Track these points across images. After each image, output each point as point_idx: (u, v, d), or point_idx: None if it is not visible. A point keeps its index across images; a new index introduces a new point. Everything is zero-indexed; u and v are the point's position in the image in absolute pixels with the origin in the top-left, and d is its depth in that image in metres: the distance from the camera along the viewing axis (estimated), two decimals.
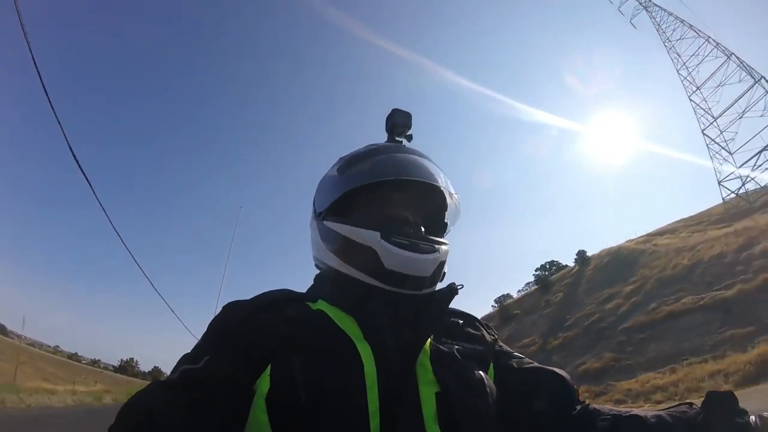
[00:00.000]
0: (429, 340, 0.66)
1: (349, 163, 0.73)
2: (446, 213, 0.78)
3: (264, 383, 0.56)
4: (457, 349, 0.68)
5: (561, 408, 0.69)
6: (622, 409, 0.66)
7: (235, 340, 0.60)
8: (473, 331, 0.75)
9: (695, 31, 36.40)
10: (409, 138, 0.83)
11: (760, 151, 29.14)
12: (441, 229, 0.78)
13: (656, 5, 42.12)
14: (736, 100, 30.77)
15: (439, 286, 0.71)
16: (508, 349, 0.78)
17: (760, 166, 28.89)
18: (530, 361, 0.75)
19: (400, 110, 0.82)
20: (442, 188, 0.73)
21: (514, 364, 0.73)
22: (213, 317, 0.66)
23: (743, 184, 29.76)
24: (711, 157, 31.97)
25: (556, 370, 0.73)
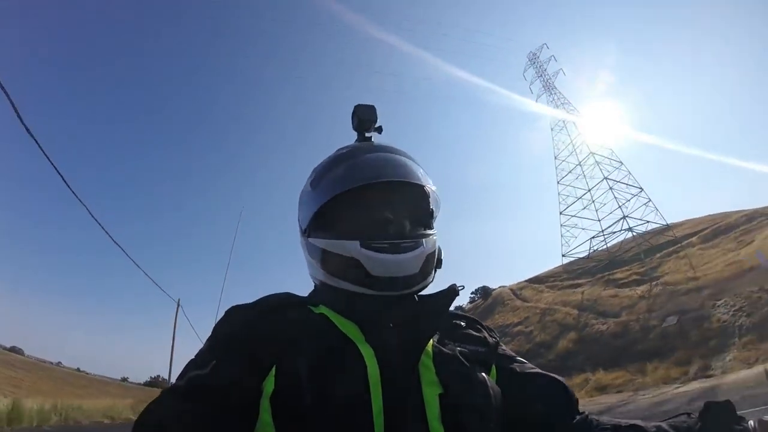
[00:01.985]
0: (431, 341, 0.67)
1: (320, 175, 0.73)
2: (429, 201, 0.77)
3: (269, 384, 0.57)
4: (459, 350, 0.68)
5: (561, 415, 0.69)
6: (622, 420, 0.66)
7: (240, 344, 0.61)
8: (475, 334, 0.76)
9: (574, 125, 44.55)
10: (379, 130, 0.83)
11: (590, 238, 38.98)
12: (427, 218, 0.77)
13: (556, 89, 48.40)
14: (584, 194, 40.45)
15: (437, 285, 0.71)
16: (511, 352, 0.78)
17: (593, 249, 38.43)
18: (532, 366, 0.75)
19: (362, 105, 0.82)
20: (414, 181, 0.71)
21: (517, 368, 0.73)
22: (216, 321, 0.66)
23: (588, 255, 38.75)
24: (561, 235, 41.36)
25: (558, 377, 0.73)
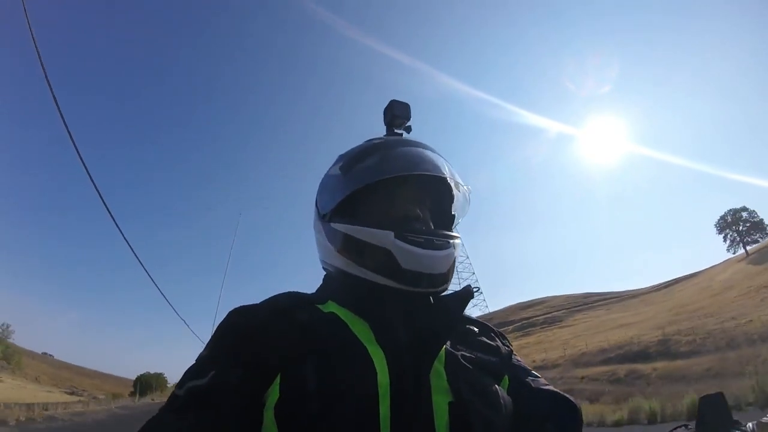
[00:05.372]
0: (444, 346, 0.63)
1: (353, 161, 0.71)
2: (453, 205, 0.76)
3: (274, 393, 0.55)
4: (472, 358, 0.65)
5: None
6: None
7: (242, 350, 0.58)
8: (489, 342, 0.72)
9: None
10: (408, 129, 0.84)
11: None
12: (449, 221, 0.77)
13: None
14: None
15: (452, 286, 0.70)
16: (525, 365, 0.75)
17: None
18: (546, 382, 0.73)
19: (398, 101, 0.82)
20: (449, 180, 0.71)
21: (531, 383, 0.71)
22: (219, 323, 0.63)
23: None
24: None
25: (569, 397, 0.71)
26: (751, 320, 22.73)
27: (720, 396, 0.60)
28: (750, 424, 0.58)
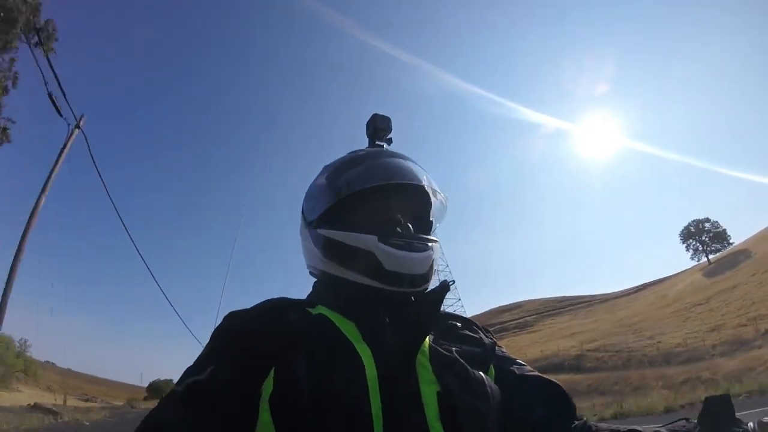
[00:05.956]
0: (428, 341, 0.68)
1: (338, 171, 0.77)
2: (431, 212, 0.81)
3: (268, 386, 0.58)
4: (455, 350, 0.69)
5: (561, 420, 0.70)
6: (621, 425, 0.67)
7: (238, 347, 0.62)
8: (471, 334, 0.77)
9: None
10: (389, 141, 0.91)
11: None
12: (428, 227, 0.82)
13: None
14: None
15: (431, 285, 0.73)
16: (510, 354, 0.79)
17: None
18: (531, 369, 0.76)
19: (380, 115, 0.90)
20: (427, 188, 0.76)
21: (516, 371, 0.74)
22: (215, 326, 0.68)
23: None
24: None
25: (556, 381, 0.74)
26: (660, 341, 25.29)
27: (727, 397, 0.63)
28: (751, 424, 0.59)
